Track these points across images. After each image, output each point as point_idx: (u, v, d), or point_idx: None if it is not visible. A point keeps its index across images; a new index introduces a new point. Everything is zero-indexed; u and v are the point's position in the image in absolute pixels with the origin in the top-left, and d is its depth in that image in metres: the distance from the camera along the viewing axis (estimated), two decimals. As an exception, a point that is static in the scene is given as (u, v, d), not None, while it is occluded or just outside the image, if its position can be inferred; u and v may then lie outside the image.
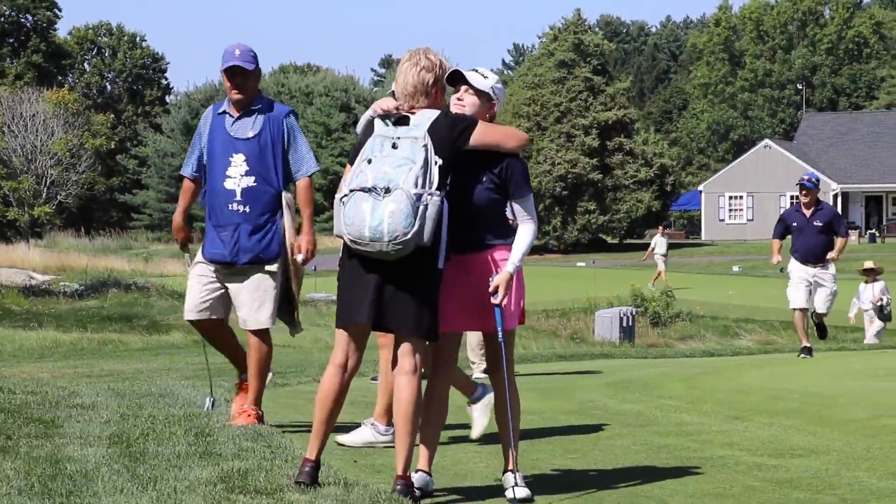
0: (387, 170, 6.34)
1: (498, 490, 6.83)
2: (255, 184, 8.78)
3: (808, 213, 17.22)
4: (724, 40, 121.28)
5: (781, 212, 18.36)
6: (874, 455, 8.06)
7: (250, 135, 8.78)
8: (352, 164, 6.58)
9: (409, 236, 6.25)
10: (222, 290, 9.04)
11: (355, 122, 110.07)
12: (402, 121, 6.55)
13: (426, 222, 6.29)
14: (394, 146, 6.44)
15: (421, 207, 6.28)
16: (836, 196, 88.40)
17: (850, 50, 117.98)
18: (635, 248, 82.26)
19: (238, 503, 6.21)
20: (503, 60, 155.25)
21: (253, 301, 8.96)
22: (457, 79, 6.78)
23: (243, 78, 8.80)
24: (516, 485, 6.68)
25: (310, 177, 8.98)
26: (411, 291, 6.44)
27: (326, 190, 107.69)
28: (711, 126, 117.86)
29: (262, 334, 9.11)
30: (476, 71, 6.83)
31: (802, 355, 17.02)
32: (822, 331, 18.04)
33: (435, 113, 6.59)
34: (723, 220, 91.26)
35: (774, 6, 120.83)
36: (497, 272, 6.60)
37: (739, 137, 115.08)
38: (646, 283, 41.30)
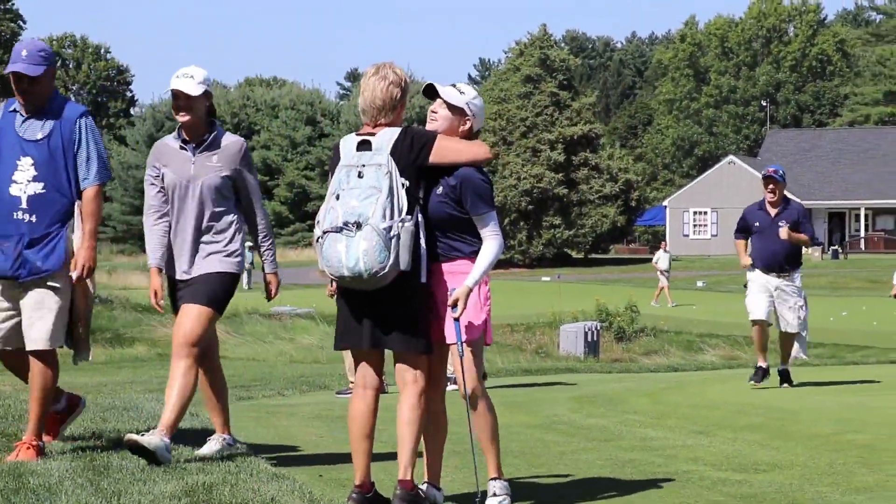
0: (355, 204, 6.38)
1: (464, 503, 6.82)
2: (43, 191, 7.79)
3: (773, 212, 14.61)
4: (689, 56, 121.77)
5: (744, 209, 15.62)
6: (837, 470, 8.09)
7: (39, 136, 7.84)
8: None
9: (386, 270, 6.33)
10: (15, 314, 7.91)
11: (321, 136, 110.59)
12: (364, 145, 6.57)
13: (401, 251, 6.35)
14: (360, 175, 6.47)
15: (393, 240, 6.32)
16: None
17: (813, 67, 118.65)
18: (600, 263, 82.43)
19: (202, 517, 6.18)
20: (469, 75, 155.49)
21: (32, 319, 7.78)
22: (432, 92, 6.76)
23: (29, 83, 7.80)
24: (495, 494, 6.74)
25: (99, 185, 7.93)
26: (400, 311, 6.53)
27: (291, 203, 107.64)
28: (676, 142, 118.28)
29: (44, 356, 7.83)
30: (454, 86, 6.81)
31: (753, 381, 14.48)
32: (785, 378, 14.82)
33: (395, 132, 6.58)
34: (687, 236, 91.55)
35: (739, 23, 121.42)
36: (455, 286, 6.61)
37: (704, 153, 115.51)
38: (610, 297, 41.32)
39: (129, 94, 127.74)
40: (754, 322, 14.55)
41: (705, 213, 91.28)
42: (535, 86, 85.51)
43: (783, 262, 14.48)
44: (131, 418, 10.05)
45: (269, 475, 7.39)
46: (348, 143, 6.67)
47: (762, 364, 14.53)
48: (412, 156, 6.52)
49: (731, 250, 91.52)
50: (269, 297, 8.50)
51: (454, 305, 6.53)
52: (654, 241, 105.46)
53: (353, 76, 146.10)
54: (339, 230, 6.38)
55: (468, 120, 6.77)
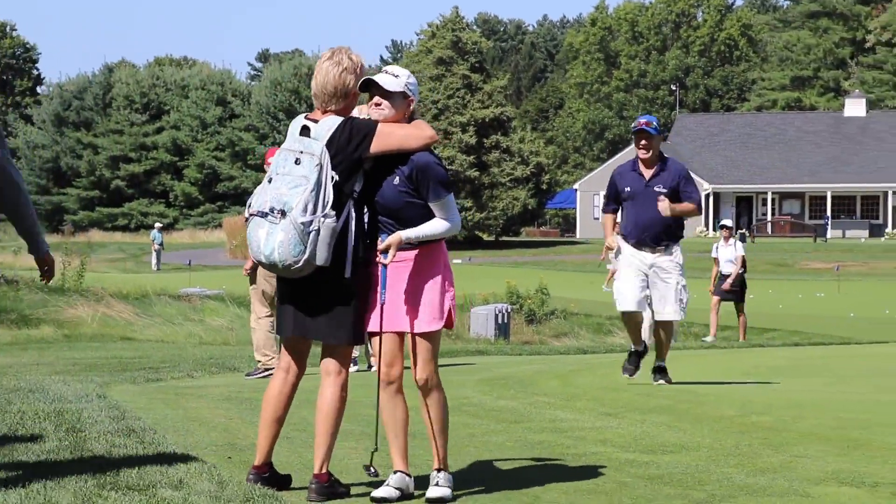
0: (283, 191, 6.38)
1: (373, 485, 6.81)
2: None
3: (647, 173, 11.90)
4: (599, 40, 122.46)
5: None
6: (742, 451, 8.18)
7: None
8: None
9: (300, 264, 6.33)
10: None
11: (231, 116, 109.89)
12: (305, 131, 6.51)
13: (318, 247, 6.33)
14: (297, 161, 6.44)
15: (312, 234, 6.31)
16: (707, 196, 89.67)
17: (721, 52, 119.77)
18: (511, 246, 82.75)
19: (109, 500, 6.12)
20: (381, 57, 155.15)
21: None
22: (369, 85, 6.62)
23: None
24: (437, 484, 6.67)
25: None
26: (324, 302, 6.53)
27: (201, 184, 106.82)
28: (587, 125, 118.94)
29: None
30: (386, 72, 6.68)
31: (626, 375, 12.46)
32: (661, 372, 12.55)
33: (336, 122, 6.50)
34: (598, 219, 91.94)
35: (649, 7, 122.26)
36: (422, 272, 6.61)
37: (614, 137, 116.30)
38: (521, 280, 41.45)
39: (35, 72, 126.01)
40: (624, 314, 12.14)
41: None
42: (447, 68, 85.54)
43: (660, 234, 11.86)
44: (37, 400, 9.94)
45: (178, 457, 7.35)
46: (295, 125, 6.61)
47: (637, 347, 12.27)
48: (350, 148, 6.46)
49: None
50: (48, 280, 7.21)
51: (384, 252, 6.49)
52: (565, 224, 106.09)
53: (264, 57, 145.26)
54: (264, 215, 6.38)
55: (411, 101, 6.65)
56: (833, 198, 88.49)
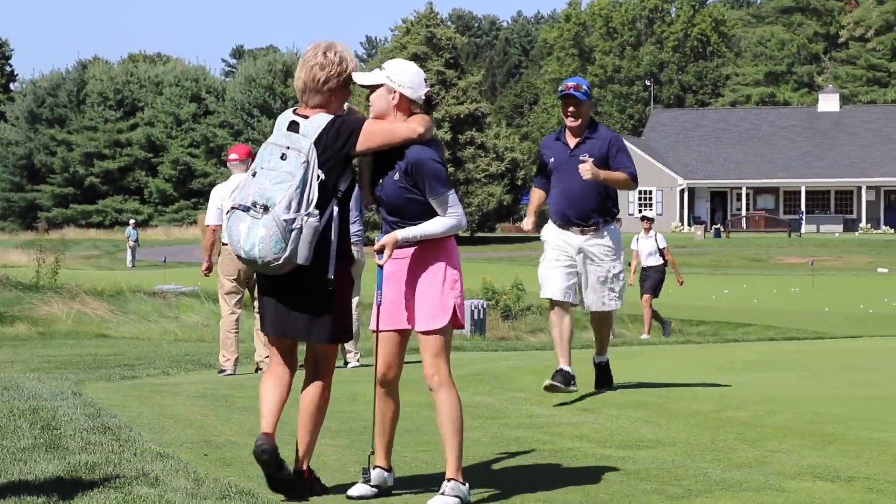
0: (267, 186, 6.27)
1: (349, 481, 6.81)
2: None
3: (572, 142, 10.41)
4: (573, 36, 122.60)
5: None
6: (719, 447, 8.20)
7: None
8: None
9: (280, 261, 6.24)
10: None
11: (206, 113, 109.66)
12: (294, 126, 6.42)
13: (299, 245, 6.24)
14: (283, 157, 6.33)
15: (294, 232, 6.22)
16: (682, 191, 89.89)
17: (695, 48, 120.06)
18: (486, 242, 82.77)
19: (85, 497, 6.11)
20: (356, 53, 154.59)
21: None
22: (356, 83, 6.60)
23: None
24: (444, 493, 6.48)
25: None
26: (304, 300, 6.44)
27: (176, 181, 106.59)
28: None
29: None
30: (380, 68, 6.62)
31: (551, 381, 10.26)
32: (603, 376, 11.12)
33: (325, 119, 6.42)
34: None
35: (623, 3, 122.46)
36: (428, 268, 6.55)
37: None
38: (496, 276, 41.49)
39: (8, 68, 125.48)
40: (552, 303, 10.30)
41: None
42: (422, 64, 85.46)
43: (588, 210, 10.28)
44: (12, 397, 9.91)
45: (154, 454, 7.34)
46: (283, 119, 6.51)
47: (563, 366, 10.18)
48: (338, 145, 6.38)
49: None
50: None
51: (380, 252, 6.45)
52: (540, 220, 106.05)
53: (238, 53, 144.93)
54: (246, 209, 6.28)
55: (395, 92, 6.54)
56: (807, 193, 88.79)
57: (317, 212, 6.28)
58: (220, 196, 14.06)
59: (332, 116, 6.45)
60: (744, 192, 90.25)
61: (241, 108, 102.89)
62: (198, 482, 6.53)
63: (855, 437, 8.45)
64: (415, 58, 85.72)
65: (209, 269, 14.19)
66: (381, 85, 6.56)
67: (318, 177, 6.30)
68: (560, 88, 10.36)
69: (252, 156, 14.85)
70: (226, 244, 14.16)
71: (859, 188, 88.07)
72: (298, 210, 6.23)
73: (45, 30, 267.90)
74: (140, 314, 26.79)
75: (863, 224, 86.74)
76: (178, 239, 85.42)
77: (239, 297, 14.31)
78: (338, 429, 8.75)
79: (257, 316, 14.37)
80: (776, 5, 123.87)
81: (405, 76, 6.58)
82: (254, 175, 6.34)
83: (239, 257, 6.36)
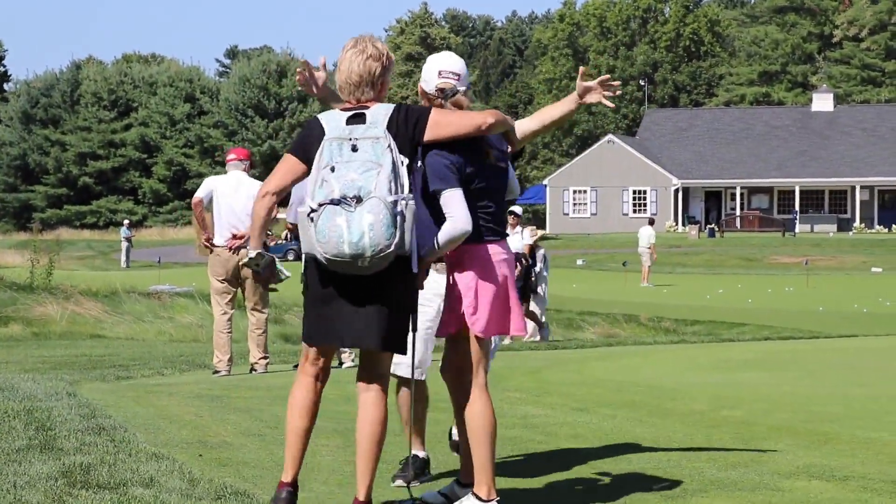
0: (354, 176, 5.79)
1: (344, 482, 6.80)
2: None
3: None
4: (567, 36, 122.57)
5: None
6: (714, 446, 8.21)
7: None
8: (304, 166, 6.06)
9: (391, 248, 5.74)
10: None
11: (200, 113, 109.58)
12: (356, 118, 6.02)
13: (406, 231, 5.80)
14: (353, 149, 5.89)
15: (398, 216, 5.76)
16: (676, 191, 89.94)
17: (688, 47, 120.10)
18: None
19: (80, 498, 6.10)
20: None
21: None
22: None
23: None
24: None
25: None
26: (386, 304, 5.96)
27: (170, 181, 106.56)
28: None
29: None
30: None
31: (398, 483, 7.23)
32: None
33: (389, 107, 6.07)
34: (567, 214, 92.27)
35: (617, 3, 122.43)
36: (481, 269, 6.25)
37: (583, 132, 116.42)
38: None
39: (2, 69, 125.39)
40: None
41: (585, 191, 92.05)
42: (416, 64, 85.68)
43: None
44: (6, 398, 9.89)
45: (148, 455, 7.33)
46: (332, 117, 6.07)
47: (418, 452, 7.36)
48: (409, 132, 6.03)
49: (610, 229, 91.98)
50: None
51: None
52: (535, 220, 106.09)
53: (233, 53, 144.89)
54: (336, 203, 5.75)
55: (423, 91, 6.53)
56: (801, 192, 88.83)
57: (411, 195, 5.88)
58: (215, 185, 14.34)
59: (394, 104, 6.15)
60: (738, 191, 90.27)
61: (236, 109, 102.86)
62: (193, 483, 6.52)
63: (850, 437, 8.46)
64: (409, 58, 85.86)
65: (209, 238, 14.26)
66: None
67: (402, 161, 5.93)
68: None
69: (250, 159, 14.94)
70: (218, 246, 14.17)
71: (853, 188, 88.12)
72: (397, 193, 5.81)
73: (39, 30, 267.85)
74: (135, 315, 26.77)
75: (857, 224, 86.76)
76: (172, 239, 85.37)
77: (230, 297, 14.34)
78: (333, 429, 8.74)
79: (250, 317, 14.39)
80: (770, 5, 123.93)
81: (424, 68, 6.55)
82: (332, 170, 5.84)
83: (336, 257, 5.77)
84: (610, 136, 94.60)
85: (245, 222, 14.02)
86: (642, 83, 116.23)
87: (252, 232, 6.20)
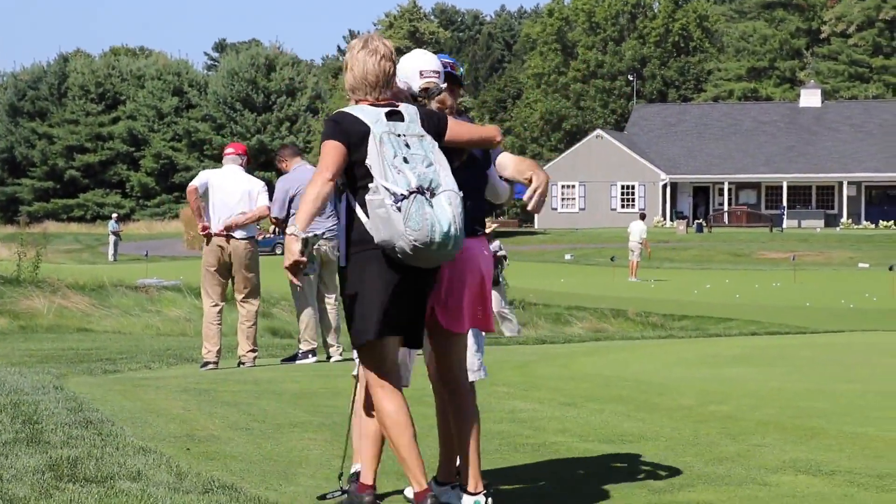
0: (423, 170, 5.80)
1: (332, 476, 6.80)
2: None
3: None
4: (556, 31, 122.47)
5: None
6: (701, 441, 8.22)
7: None
8: (337, 161, 5.94)
9: (463, 241, 5.88)
10: None
11: (188, 107, 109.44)
12: (394, 115, 6.00)
13: (464, 226, 5.89)
14: (407, 145, 5.88)
15: (463, 211, 5.87)
16: (665, 186, 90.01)
17: (677, 43, 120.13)
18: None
19: (67, 492, 6.09)
20: (339, 47, 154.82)
21: None
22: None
23: None
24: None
25: None
26: (425, 301, 6.06)
27: (158, 174, 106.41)
28: (545, 115, 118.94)
29: None
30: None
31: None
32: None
33: (413, 108, 6.10)
34: (555, 209, 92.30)
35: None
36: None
37: (572, 127, 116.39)
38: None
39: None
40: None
41: (573, 186, 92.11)
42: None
43: None
44: (-7, 392, 9.87)
45: (136, 448, 7.32)
46: (368, 112, 5.99)
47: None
48: (433, 133, 6.05)
49: (598, 224, 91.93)
50: None
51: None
52: (524, 215, 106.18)
53: (221, 47, 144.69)
54: (421, 193, 5.75)
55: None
56: (789, 188, 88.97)
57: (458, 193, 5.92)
58: (210, 177, 14.39)
59: (414, 105, 6.18)
60: (726, 187, 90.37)
61: (224, 102, 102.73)
62: (180, 476, 6.51)
63: (837, 432, 8.48)
64: (398, 52, 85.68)
65: (205, 228, 14.24)
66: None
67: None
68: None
69: (247, 155, 14.97)
70: (215, 235, 14.16)
71: (840, 183, 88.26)
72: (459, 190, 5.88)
73: (27, 23, 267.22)
74: (122, 308, 26.73)
75: (844, 219, 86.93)
76: (159, 233, 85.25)
77: (221, 288, 14.35)
78: (321, 423, 8.74)
79: (241, 309, 14.39)
80: (758, 1, 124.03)
81: (401, 68, 6.43)
82: (405, 161, 5.82)
83: (427, 245, 5.73)
84: (598, 131, 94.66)
85: (232, 216, 14.07)
86: (631, 78, 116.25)
87: (304, 214, 5.89)
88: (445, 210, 5.74)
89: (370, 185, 5.83)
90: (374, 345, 5.95)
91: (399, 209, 5.72)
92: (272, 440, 8.01)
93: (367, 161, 5.84)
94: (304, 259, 5.90)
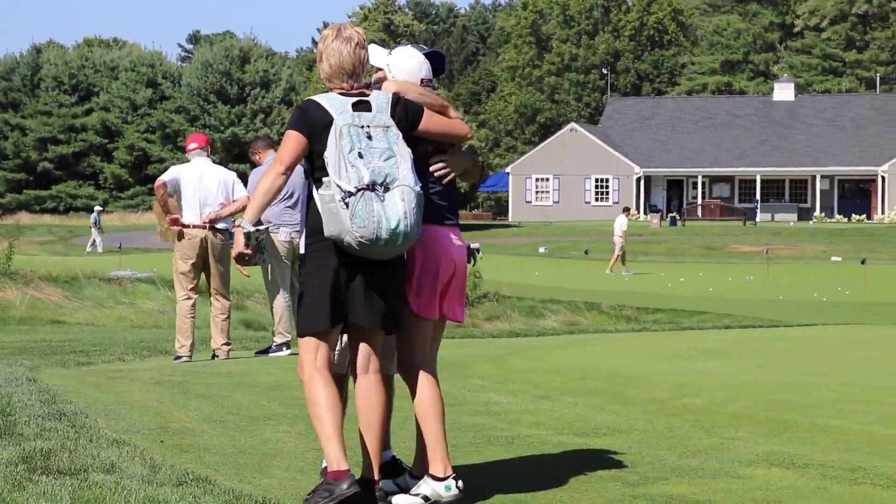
0: (380, 164, 5.84)
1: (307, 469, 6.79)
2: None
3: None
4: (531, 24, 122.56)
5: None
6: (675, 434, 8.24)
7: None
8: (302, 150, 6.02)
9: (418, 236, 5.95)
10: None
11: (162, 98, 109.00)
12: (361, 105, 6.02)
13: (420, 220, 5.95)
14: (369, 136, 5.91)
15: (420, 205, 5.91)
16: (638, 179, 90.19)
17: (651, 36, 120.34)
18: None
19: (41, 484, 6.07)
20: (313, 39, 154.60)
21: None
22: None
23: None
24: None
25: None
26: (390, 286, 6.10)
27: (132, 166, 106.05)
28: (519, 109, 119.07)
29: None
30: (389, 52, 6.52)
31: None
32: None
33: (387, 96, 6.11)
34: (529, 202, 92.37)
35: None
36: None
37: (546, 120, 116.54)
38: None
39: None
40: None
41: (547, 179, 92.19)
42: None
43: None
44: (-34, 384, 9.84)
45: (109, 441, 7.31)
46: (335, 101, 6.03)
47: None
48: (405, 123, 6.07)
49: (572, 217, 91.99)
50: None
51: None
52: (498, 208, 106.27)
53: (195, 38, 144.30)
54: (372, 189, 5.80)
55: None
56: (762, 181, 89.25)
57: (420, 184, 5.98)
58: (180, 173, 14.31)
59: (389, 93, 6.18)
60: (700, 180, 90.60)
61: (198, 94, 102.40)
62: (154, 469, 6.50)
63: (810, 425, 8.51)
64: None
65: (175, 220, 14.21)
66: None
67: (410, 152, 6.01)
68: None
69: (211, 144, 14.89)
70: (188, 226, 14.11)
71: (814, 177, 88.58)
72: (416, 182, 5.92)
73: (1, 13, 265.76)
74: (95, 300, 26.66)
75: (817, 213, 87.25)
76: (133, 225, 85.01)
77: (195, 282, 14.31)
78: (294, 416, 8.73)
79: (215, 302, 14.36)
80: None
81: (400, 61, 6.45)
82: (360, 156, 5.86)
83: (373, 241, 5.82)
84: (572, 125, 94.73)
85: (213, 209, 14.05)
86: (605, 72, 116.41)
87: (255, 207, 6.08)
88: (397, 206, 5.80)
89: (324, 178, 5.92)
90: (319, 334, 6.05)
91: (347, 205, 5.80)
92: (246, 433, 8.00)
93: (325, 154, 5.91)
94: (249, 252, 6.05)
